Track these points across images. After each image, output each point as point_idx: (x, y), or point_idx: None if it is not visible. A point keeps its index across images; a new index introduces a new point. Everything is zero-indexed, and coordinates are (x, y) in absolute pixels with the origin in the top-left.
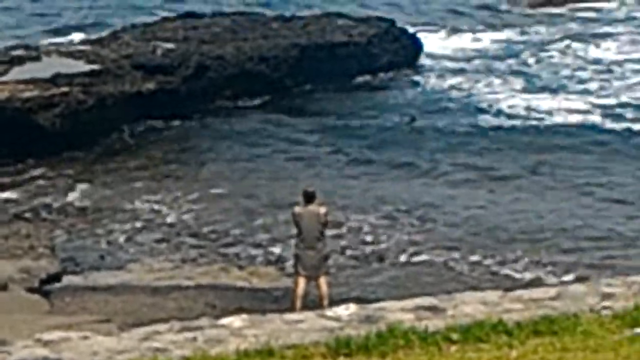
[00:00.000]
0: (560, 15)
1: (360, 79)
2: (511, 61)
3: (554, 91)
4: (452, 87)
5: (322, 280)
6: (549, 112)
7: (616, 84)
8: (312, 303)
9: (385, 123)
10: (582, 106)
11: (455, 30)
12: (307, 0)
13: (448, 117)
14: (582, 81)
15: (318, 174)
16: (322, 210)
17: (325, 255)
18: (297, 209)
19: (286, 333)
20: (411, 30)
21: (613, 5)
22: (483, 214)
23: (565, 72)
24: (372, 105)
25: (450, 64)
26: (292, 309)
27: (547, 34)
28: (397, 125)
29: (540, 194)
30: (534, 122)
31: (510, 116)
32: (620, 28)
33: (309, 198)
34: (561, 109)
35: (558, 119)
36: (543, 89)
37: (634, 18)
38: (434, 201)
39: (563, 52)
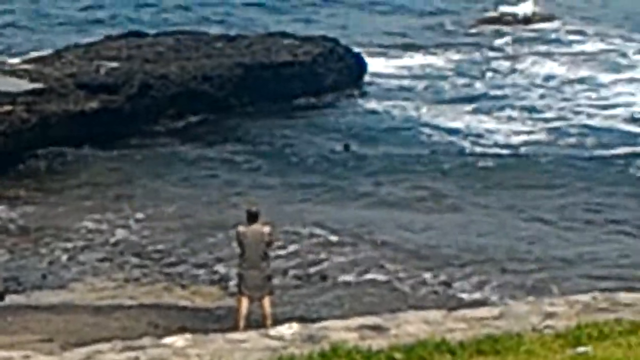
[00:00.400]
0: (504, 34)
1: (303, 100)
2: (457, 81)
3: (499, 111)
4: (396, 107)
5: (266, 300)
6: (495, 132)
7: (561, 104)
8: (256, 322)
9: (325, 146)
10: (528, 127)
11: (399, 50)
12: (252, 19)
13: (390, 138)
14: (526, 100)
15: (259, 195)
16: (266, 229)
17: (268, 275)
18: (241, 228)
19: (229, 352)
20: (356, 50)
21: (554, 25)
22: (426, 235)
23: (511, 91)
24: (313, 128)
25: (395, 84)
26: (235, 328)
27: (492, 54)
28: (335, 149)
29: (485, 216)
30: (478, 143)
31: (454, 137)
32: (562, 48)
33: (253, 217)
34: (507, 129)
35: (503, 139)
36: (489, 110)
37: (574, 40)
38: (375, 222)
39: (507, 72)
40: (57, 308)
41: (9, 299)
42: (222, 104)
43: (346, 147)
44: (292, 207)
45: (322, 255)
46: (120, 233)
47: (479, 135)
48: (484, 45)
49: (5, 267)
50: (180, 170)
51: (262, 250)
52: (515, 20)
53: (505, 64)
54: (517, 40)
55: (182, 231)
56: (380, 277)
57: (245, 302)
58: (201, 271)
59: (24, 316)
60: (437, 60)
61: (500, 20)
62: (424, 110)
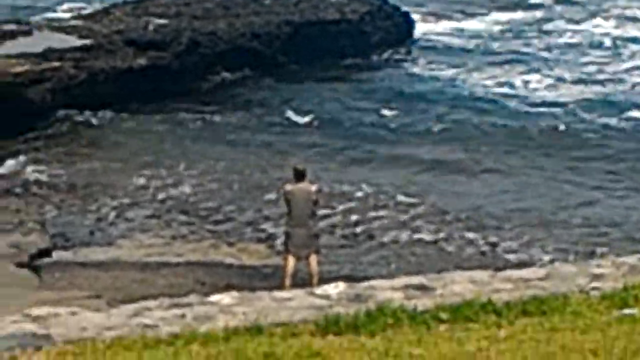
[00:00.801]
0: None
1: (350, 61)
2: (508, 43)
3: (550, 73)
4: (443, 69)
5: (313, 259)
6: (544, 96)
7: (613, 67)
8: (302, 281)
9: (371, 109)
10: (578, 89)
11: (449, 12)
12: None
13: (437, 100)
14: (579, 61)
15: (307, 155)
16: (313, 188)
17: (315, 233)
18: (288, 187)
19: (275, 311)
20: (404, 8)
21: None
22: (472, 197)
23: (563, 52)
24: (359, 91)
25: (443, 45)
26: (281, 286)
27: (545, 14)
28: (381, 112)
29: (533, 179)
30: (527, 106)
31: (503, 99)
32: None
33: (300, 175)
34: (557, 93)
35: (553, 101)
36: (539, 72)
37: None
38: (422, 184)
39: (560, 32)
40: (104, 265)
41: (57, 255)
42: (270, 61)
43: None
44: (338, 169)
45: (369, 215)
46: (168, 191)
47: (527, 98)
48: (534, 6)
49: (52, 223)
50: (226, 130)
51: (310, 209)
52: None
53: (558, 24)
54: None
55: (229, 189)
56: (427, 237)
57: (292, 261)
58: (248, 229)
59: (72, 272)
60: (487, 22)
61: None
62: (472, 72)
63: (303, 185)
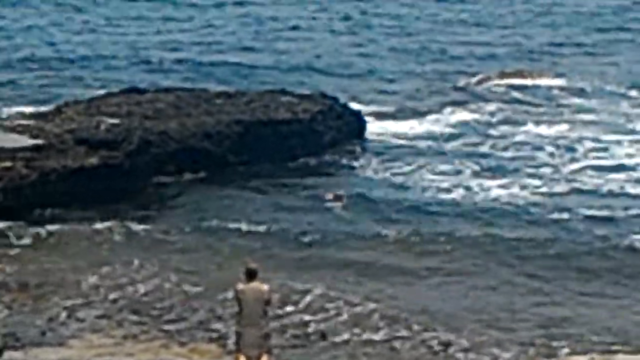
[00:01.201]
0: (510, 89)
1: (302, 161)
2: (460, 143)
3: (504, 175)
4: (395, 169)
5: (264, 359)
6: (501, 195)
7: (568, 166)
8: None
9: (318, 216)
10: (536, 189)
11: (399, 112)
12: (252, 77)
13: (390, 202)
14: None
15: (257, 257)
16: (265, 287)
17: (266, 333)
18: (240, 286)
19: None
20: (355, 107)
21: (560, 82)
22: (423, 299)
23: (516, 152)
24: (311, 193)
25: (394, 145)
26: None
27: (499, 113)
28: (329, 220)
29: (486, 279)
30: (482, 206)
31: (462, 202)
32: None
33: (252, 274)
34: (514, 192)
35: (508, 200)
36: (493, 171)
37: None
38: (371, 287)
39: (512, 133)
40: None
41: (8, 355)
42: (220, 160)
43: (336, 197)
44: (289, 271)
45: (320, 315)
46: (119, 289)
47: (478, 202)
48: (485, 105)
49: (4, 323)
50: (178, 225)
51: (261, 308)
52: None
53: (508, 125)
54: (519, 100)
55: (181, 288)
56: (379, 337)
57: (242, 359)
58: (200, 328)
59: None
60: (438, 122)
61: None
62: (424, 174)
63: (255, 284)
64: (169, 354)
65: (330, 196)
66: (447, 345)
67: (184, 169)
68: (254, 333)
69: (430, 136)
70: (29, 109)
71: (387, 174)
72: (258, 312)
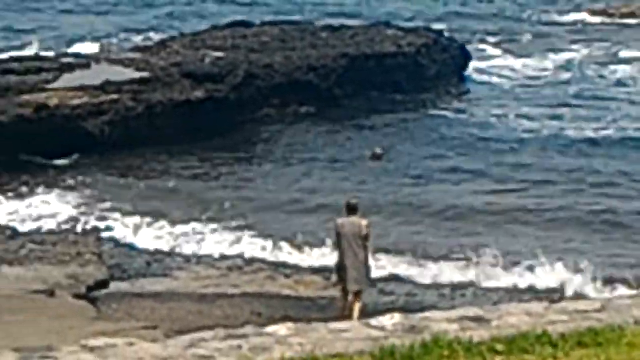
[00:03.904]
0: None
1: (406, 95)
2: (559, 84)
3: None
4: (495, 108)
5: (360, 294)
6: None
7: None
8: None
9: (423, 152)
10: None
11: (507, 44)
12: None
13: (488, 145)
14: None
15: (362, 184)
16: (364, 222)
17: (366, 267)
18: (339, 220)
19: (331, 342)
20: (460, 41)
21: None
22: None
23: (616, 93)
24: (407, 127)
25: (497, 82)
26: (340, 318)
27: (598, 52)
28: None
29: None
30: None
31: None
32: None
33: (352, 209)
34: (617, 136)
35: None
36: (591, 115)
37: None
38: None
39: (613, 71)
40: (161, 296)
41: (114, 286)
42: (326, 94)
43: (375, 156)
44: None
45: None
46: (225, 220)
47: (577, 139)
48: (587, 45)
49: (110, 255)
50: (283, 159)
51: (360, 243)
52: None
53: (605, 65)
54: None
55: (286, 219)
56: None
57: (343, 293)
58: (305, 260)
59: (129, 303)
60: (540, 61)
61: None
62: (523, 114)
63: (354, 219)
64: (274, 286)
65: (369, 155)
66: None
67: (289, 102)
68: (353, 267)
69: (530, 76)
70: (135, 42)
71: (490, 113)
72: (357, 246)
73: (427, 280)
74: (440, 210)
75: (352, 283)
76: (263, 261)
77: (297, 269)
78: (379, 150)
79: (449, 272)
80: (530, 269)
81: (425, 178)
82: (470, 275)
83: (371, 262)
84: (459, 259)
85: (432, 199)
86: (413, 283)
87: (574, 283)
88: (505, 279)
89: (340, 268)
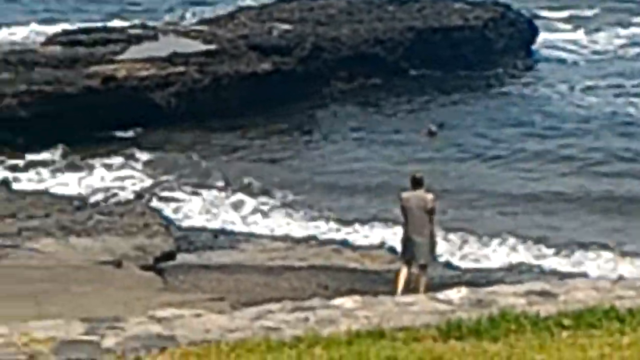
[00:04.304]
0: None
1: (473, 70)
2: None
3: None
4: (561, 84)
5: (424, 268)
6: None
7: None
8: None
9: (492, 126)
10: None
11: (575, 18)
12: None
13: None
14: None
15: (429, 160)
16: (430, 196)
17: (431, 242)
18: (404, 194)
19: (397, 315)
20: (527, 14)
21: None
22: None
23: None
24: (474, 103)
25: (565, 56)
26: (408, 291)
27: None
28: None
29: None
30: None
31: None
32: None
33: (417, 183)
34: None
35: None
36: None
37: None
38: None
39: None
40: (228, 268)
41: (181, 258)
42: (393, 67)
43: (430, 132)
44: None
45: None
46: (291, 192)
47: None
48: None
49: (177, 227)
50: (347, 134)
51: (425, 217)
52: None
53: None
54: None
55: (352, 193)
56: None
57: (405, 268)
58: (371, 234)
59: (195, 275)
60: (608, 36)
61: None
62: (589, 90)
63: (419, 192)
64: (340, 259)
65: (424, 131)
66: None
67: (356, 75)
68: (419, 241)
69: (597, 51)
70: (202, 14)
71: (555, 88)
72: (422, 220)
73: (493, 258)
74: (495, 192)
75: (417, 256)
76: (326, 235)
77: (360, 244)
78: (433, 127)
79: (513, 252)
80: (598, 254)
81: (482, 156)
82: (533, 255)
83: (436, 236)
84: (524, 239)
85: (489, 179)
86: (479, 259)
87: None
88: (568, 262)
89: (406, 242)
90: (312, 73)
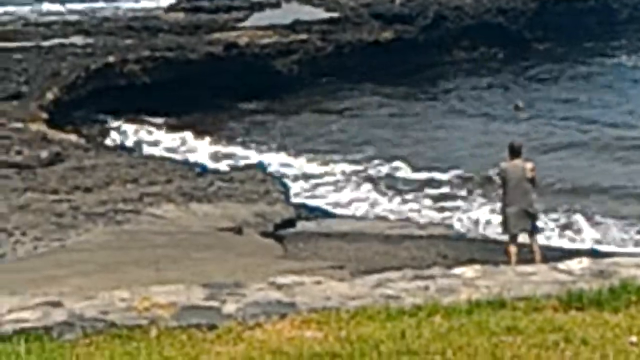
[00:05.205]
0: None
1: (596, 43)
2: None
3: None
4: None
5: (533, 236)
6: None
7: None
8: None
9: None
10: None
11: None
12: None
13: None
14: None
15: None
16: (529, 164)
17: (532, 211)
18: (503, 164)
19: (518, 285)
20: None
21: None
22: None
23: None
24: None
25: None
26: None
27: None
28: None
29: None
30: None
31: None
32: None
33: (515, 152)
34: None
35: None
36: None
37: None
38: None
39: None
40: (347, 236)
41: (301, 226)
42: (516, 37)
43: (517, 108)
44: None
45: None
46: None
47: None
48: None
49: (295, 194)
50: (464, 104)
51: (525, 186)
52: None
53: None
54: None
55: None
56: None
57: (513, 247)
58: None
59: (315, 243)
60: None
61: None
62: None
63: (518, 162)
64: (459, 228)
65: (512, 107)
66: None
67: (478, 44)
68: (518, 211)
69: None
70: None
71: None
72: (522, 190)
73: (613, 226)
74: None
75: (518, 226)
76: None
77: None
78: (520, 104)
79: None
80: None
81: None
82: None
83: (537, 205)
84: None
85: None
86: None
87: None
88: None
89: (506, 214)
90: (434, 42)
